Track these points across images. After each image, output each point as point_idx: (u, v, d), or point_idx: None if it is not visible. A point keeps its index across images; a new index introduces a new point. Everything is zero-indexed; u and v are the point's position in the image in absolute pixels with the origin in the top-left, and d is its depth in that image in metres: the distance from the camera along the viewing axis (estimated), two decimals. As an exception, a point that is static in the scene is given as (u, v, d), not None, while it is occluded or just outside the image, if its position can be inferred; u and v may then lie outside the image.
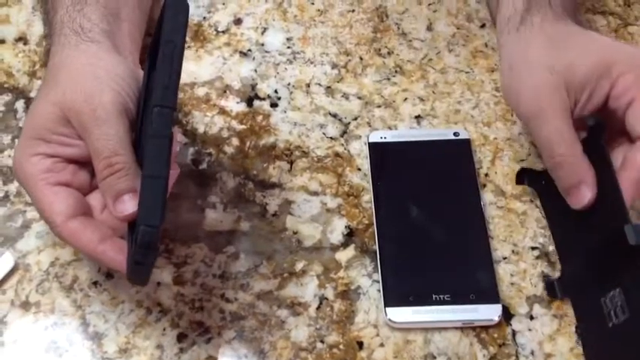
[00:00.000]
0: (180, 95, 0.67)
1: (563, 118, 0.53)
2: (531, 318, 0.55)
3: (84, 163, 0.52)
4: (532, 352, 0.54)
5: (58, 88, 0.51)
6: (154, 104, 0.45)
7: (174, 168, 0.50)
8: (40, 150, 0.51)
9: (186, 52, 0.68)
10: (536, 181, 0.59)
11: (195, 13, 0.72)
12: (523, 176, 0.60)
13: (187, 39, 0.68)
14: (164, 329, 0.55)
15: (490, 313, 0.54)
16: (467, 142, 0.63)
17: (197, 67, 0.68)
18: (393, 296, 0.54)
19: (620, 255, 0.49)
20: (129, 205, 0.48)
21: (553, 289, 0.55)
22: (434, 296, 0.54)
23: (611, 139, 0.54)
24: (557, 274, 0.57)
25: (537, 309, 0.56)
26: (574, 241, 0.55)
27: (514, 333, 0.55)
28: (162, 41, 0.46)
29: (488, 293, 0.54)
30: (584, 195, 0.52)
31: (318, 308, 0.56)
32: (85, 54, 0.53)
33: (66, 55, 0.53)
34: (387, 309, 0.54)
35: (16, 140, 0.63)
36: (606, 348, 0.51)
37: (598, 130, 0.53)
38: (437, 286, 0.55)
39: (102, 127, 0.50)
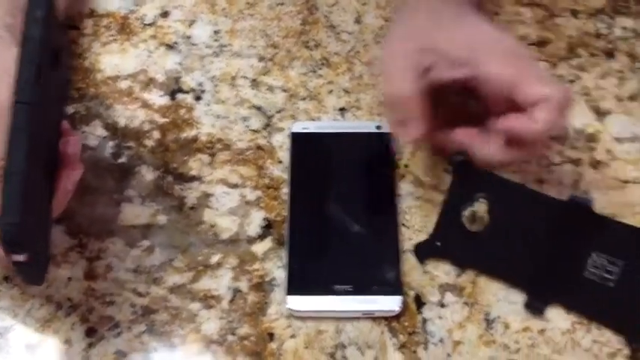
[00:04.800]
0: (103, 89, 0.67)
1: (410, 62, 0.54)
2: (442, 306, 0.56)
3: None
4: (441, 340, 0.54)
5: None
6: (14, 100, 0.45)
7: (75, 168, 0.50)
8: None
9: (112, 45, 0.68)
10: (466, 166, 0.58)
11: (122, 6, 0.72)
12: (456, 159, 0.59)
13: (113, 32, 0.68)
14: (73, 324, 0.55)
15: (390, 304, 0.54)
16: (388, 136, 0.63)
17: (121, 60, 0.68)
18: (295, 285, 0.55)
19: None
20: None
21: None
22: (336, 286, 0.54)
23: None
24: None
25: (449, 297, 0.56)
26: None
27: (424, 321, 0.55)
28: (23, 37, 0.45)
29: (390, 285, 0.55)
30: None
31: (231, 301, 0.56)
32: None
33: None
34: (287, 297, 0.54)
35: None
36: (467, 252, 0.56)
37: (465, 165, 0.55)
38: (340, 276, 0.55)
39: None
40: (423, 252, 0.58)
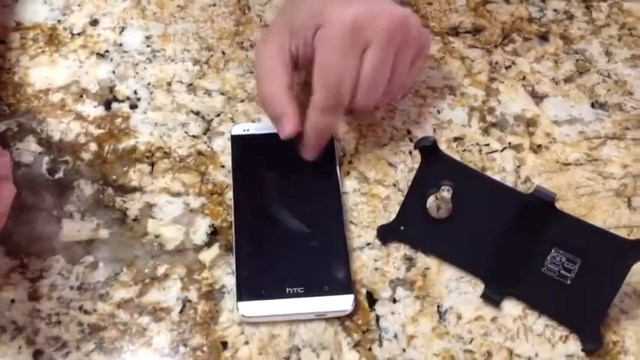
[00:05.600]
0: (34, 103, 0.65)
1: (279, 57, 0.56)
2: (394, 301, 0.56)
3: None
4: (395, 335, 0.54)
5: None
6: None
7: (7, 190, 0.49)
8: None
9: (40, 58, 0.66)
10: (433, 152, 0.58)
11: (48, 17, 0.69)
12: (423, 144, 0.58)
13: (41, 44, 0.66)
14: (19, 347, 0.53)
15: (342, 304, 0.54)
16: (330, 132, 0.62)
17: (51, 72, 0.66)
18: (246, 290, 0.54)
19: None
20: None
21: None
22: (287, 289, 0.54)
23: None
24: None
25: (400, 291, 0.56)
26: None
27: (377, 318, 0.55)
28: None
29: (341, 284, 0.54)
30: (285, 126, 0.57)
31: (181, 312, 0.55)
32: None
33: None
34: (238, 303, 0.53)
35: None
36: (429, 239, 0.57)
37: (431, 151, 0.56)
38: (290, 279, 0.54)
39: None
40: (386, 234, 0.58)
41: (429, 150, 0.56)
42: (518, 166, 0.62)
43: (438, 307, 0.56)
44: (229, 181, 0.61)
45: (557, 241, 0.54)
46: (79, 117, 0.64)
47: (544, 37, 0.70)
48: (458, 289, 0.56)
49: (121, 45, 0.69)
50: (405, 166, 0.62)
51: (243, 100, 0.66)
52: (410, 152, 0.62)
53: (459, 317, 0.55)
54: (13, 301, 0.55)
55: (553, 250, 0.54)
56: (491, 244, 0.55)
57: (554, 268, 0.54)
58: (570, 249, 0.54)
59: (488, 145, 0.63)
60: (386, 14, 0.55)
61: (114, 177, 0.61)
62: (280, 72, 0.56)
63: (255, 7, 0.72)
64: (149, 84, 0.66)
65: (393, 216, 0.59)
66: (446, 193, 0.57)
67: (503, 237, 0.55)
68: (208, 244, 0.58)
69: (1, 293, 0.55)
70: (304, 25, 0.55)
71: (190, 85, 0.67)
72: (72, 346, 0.53)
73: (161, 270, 0.57)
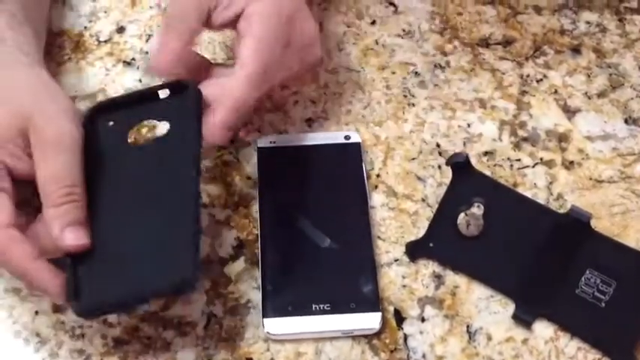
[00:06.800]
0: (60, 111, 0.64)
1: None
2: (423, 320, 0.55)
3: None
4: (424, 356, 0.53)
5: (19, 102, 0.52)
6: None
7: None
8: None
9: (66, 65, 0.66)
10: (465, 168, 0.58)
11: (75, 24, 0.69)
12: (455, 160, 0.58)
13: (67, 51, 0.66)
14: (43, 360, 0.52)
15: (369, 322, 0.53)
16: (357, 146, 0.61)
17: (78, 80, 0.66)
18: (272, 307, 0.53)
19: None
20: (80, 235, 0.49)
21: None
22: (314, 306, 0.53)
23: None
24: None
25: (429, 310, 0.55)
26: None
27: (406, 337, 0.54)
28: None
29: (369, 302, 0.53)
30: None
31: (206, 326, 0.54)
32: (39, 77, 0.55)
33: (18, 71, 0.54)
34: (264, 320, 0.52)
35: None
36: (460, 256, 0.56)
37: (463, 168, 0.56)
38: (317, 295, 0.53)
39: (66, 155, 0.50)
40: (415, 251, 0.57)
41: (461, 166, 0.55)
42: (550, 183, 0.61)
43: (468, 326, 0.55)
44: (255, 193, 0.60)
45: (591, 262, 0.53)
46: (105, 126, 0.63)
47: (576, 50, 0.69)
48: (488, 308, 0.55)
49: (147, 53, 0.68)
50: (434, 180, 0.61)
51: (270, 111, 0.65)
52: (439, 166, 0.61)
53: (489, 338, 0.54)
54: (37, 312, 0.55)
55: (587, 272, 0.53)
56: (523, 263, 0.54)
57: (588, 290, 0.53)
58: (605, 271, 0.53)
59: (519, 160, 0.62)
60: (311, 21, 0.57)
61: (139, 187, 0.60)
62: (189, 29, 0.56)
63: (283, 15, 0.71)
64: (175, 93, 0.65)
65: (422, 232, 0.58)
66: (477, 209, 0.56)
67: (536, 256, 0.54)
68: (234, 258, 0.58)
69: (26, 304, 0.55)
70: None
71: (217, 94, 0.65)
72: (96, 359, 0.53)
73: (186, 283, 0.56)
